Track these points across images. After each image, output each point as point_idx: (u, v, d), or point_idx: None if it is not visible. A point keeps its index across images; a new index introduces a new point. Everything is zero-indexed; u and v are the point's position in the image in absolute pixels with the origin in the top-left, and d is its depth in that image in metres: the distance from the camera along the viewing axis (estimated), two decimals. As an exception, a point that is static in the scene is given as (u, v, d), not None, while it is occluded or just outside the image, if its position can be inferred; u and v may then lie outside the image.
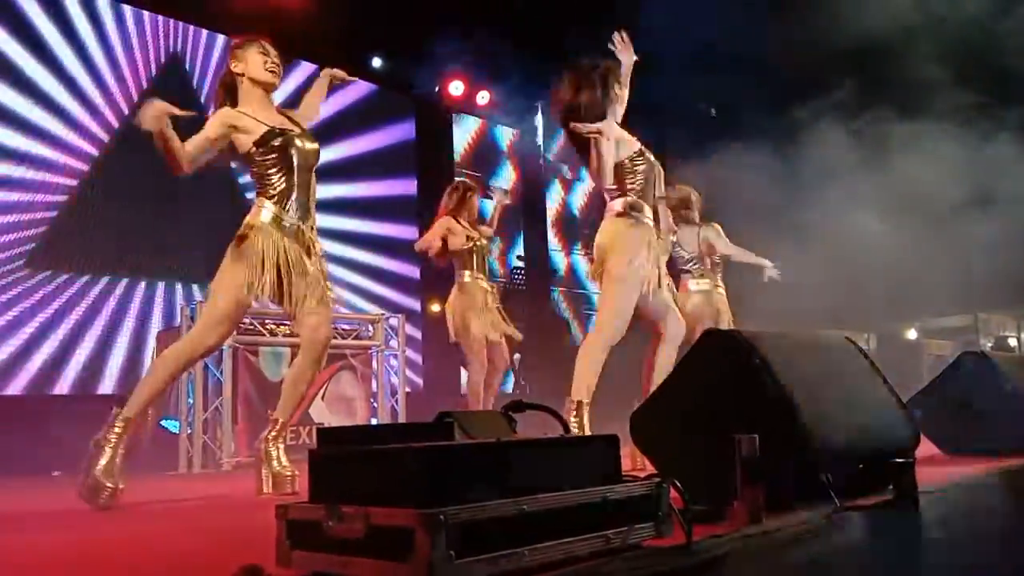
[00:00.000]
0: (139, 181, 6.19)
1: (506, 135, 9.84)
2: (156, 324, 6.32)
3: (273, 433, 3.20)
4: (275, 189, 3.22)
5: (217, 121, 3.20)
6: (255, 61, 3.33)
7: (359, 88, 8.16)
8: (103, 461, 2.95)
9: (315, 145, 3.37)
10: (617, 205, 3.69)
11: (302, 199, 3.27)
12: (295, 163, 3.25)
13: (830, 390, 2.25)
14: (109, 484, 2.92)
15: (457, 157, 9.21)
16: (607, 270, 3.61)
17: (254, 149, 3.22)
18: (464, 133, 9.37)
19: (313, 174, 3.34)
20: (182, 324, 5.22)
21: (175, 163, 3.05)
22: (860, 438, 2.20)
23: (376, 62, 8.15)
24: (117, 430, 3.01)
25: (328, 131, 7.69)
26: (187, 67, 6.96)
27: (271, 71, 3.34)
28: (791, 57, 7.11)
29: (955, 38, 6.57)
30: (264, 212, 3.20)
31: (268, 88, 3.36)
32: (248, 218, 3.22)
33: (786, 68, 7.44)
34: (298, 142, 3.28)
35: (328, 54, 7.61)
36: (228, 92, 3.36)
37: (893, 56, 6.70)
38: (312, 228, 3.33)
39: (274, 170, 3.23)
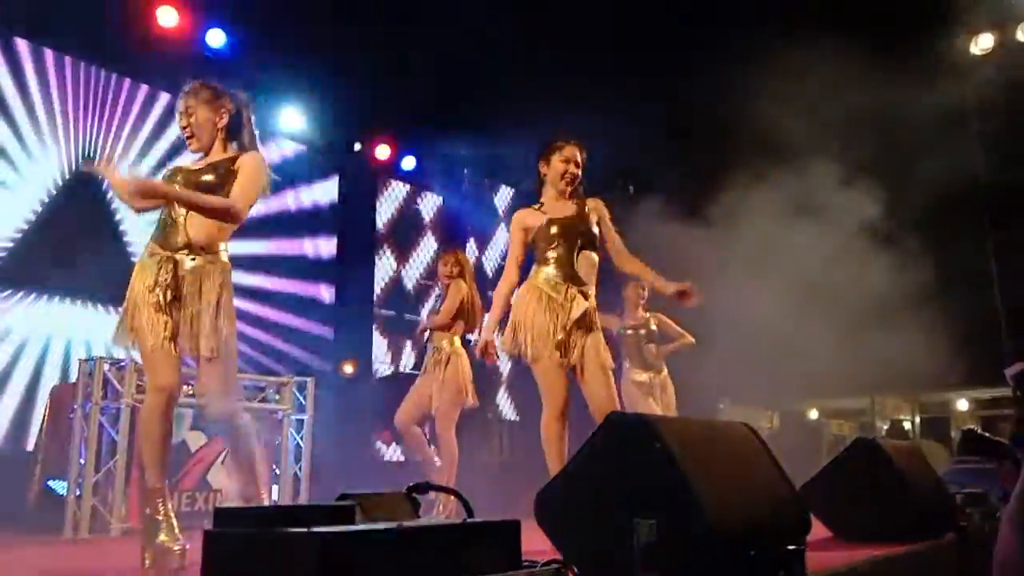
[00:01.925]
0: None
1: (430, 202, 9.91)
2: (50, 378, 6.05)
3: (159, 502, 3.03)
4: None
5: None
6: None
7: (285, 147, 8.14)
8: (162, 530, 2.95)
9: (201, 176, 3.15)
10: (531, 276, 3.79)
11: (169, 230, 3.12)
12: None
13: (728, 476, 2.32)
14: (176, 547, 2.91)
15: (380, 222, 9.22)
16: (521, 347, 3.66)
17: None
18: (390, 199, 9.41)
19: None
20: (79, 380, 5.01)
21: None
22: (755, 524, 2.26)
23: (300, 121, 8.13)
24: (159, 499, 3.01)
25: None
26: (108, 117, 6.82)
27: (182, 127, 3.25)
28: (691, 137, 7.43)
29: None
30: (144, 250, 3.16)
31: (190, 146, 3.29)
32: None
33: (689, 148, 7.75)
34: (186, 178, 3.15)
35: (255, 110, 7.61)
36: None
37: (795, 134, 7.07)
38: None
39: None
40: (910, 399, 14.29)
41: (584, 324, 3.68)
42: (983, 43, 8.11)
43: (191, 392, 5.07)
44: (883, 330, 6.99)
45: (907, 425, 14.42)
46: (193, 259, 3.10)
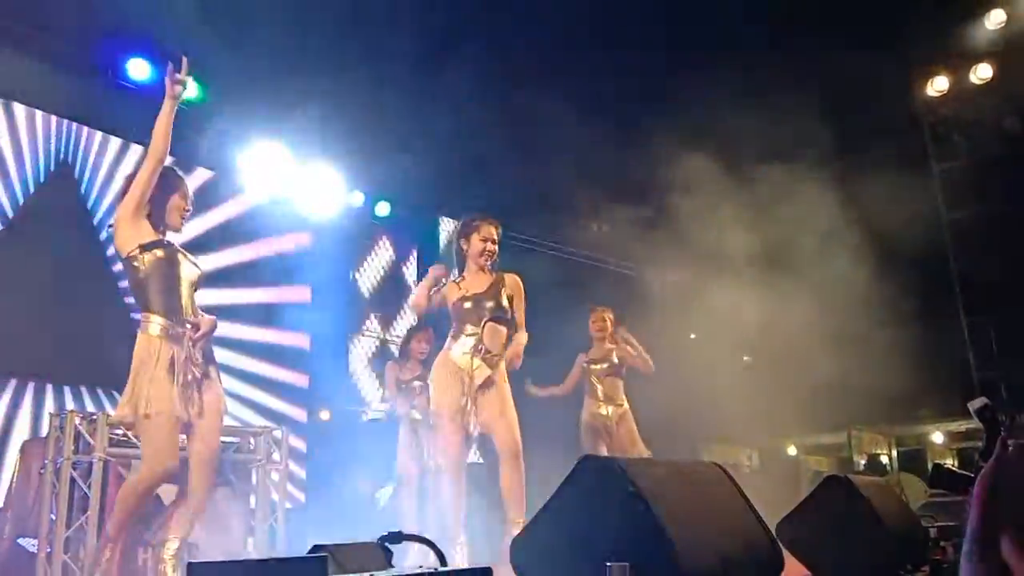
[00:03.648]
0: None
1: (396, 243, 9.93)
2: (22, 433, 5.96)
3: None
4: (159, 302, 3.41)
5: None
6: (174, 204, 3.57)
7: (257, 196, 8.16)
8: None
9: (197, 269, 3.63)
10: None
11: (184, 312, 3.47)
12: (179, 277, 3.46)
13: (700, 517, 2.34)
14: None
15: (355, 268, 9.25)
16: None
17: (136, 251, 3.40)
18: (358, 241, 9.43)
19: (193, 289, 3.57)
20: (50, 434, 4.94)
21: None
22: (728, 564, 2.28)
23: (274, 170, 8.16)
24: (107, 555, 3.31)
25: (223, 236, 7.64)
26: (78, 168, 6.81)
27: (182, 219, 3.62)
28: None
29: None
30: (152, 325, 3.38)
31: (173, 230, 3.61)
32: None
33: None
34: (180, 258, 3.51)
35: (227, 161, 7.66)
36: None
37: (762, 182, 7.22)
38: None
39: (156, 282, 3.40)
40: (886, 433, 14.37)
41: (488, 386, 4.19)
42: (938, 85, 8.36)
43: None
44: (858, 366, 7.09)
45: (884, 459, 14.48)
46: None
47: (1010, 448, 1.39)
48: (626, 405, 6.22)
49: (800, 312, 7.04)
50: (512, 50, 7.47)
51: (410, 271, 9.91)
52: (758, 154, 7.10)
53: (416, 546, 4.71)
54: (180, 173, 3.76)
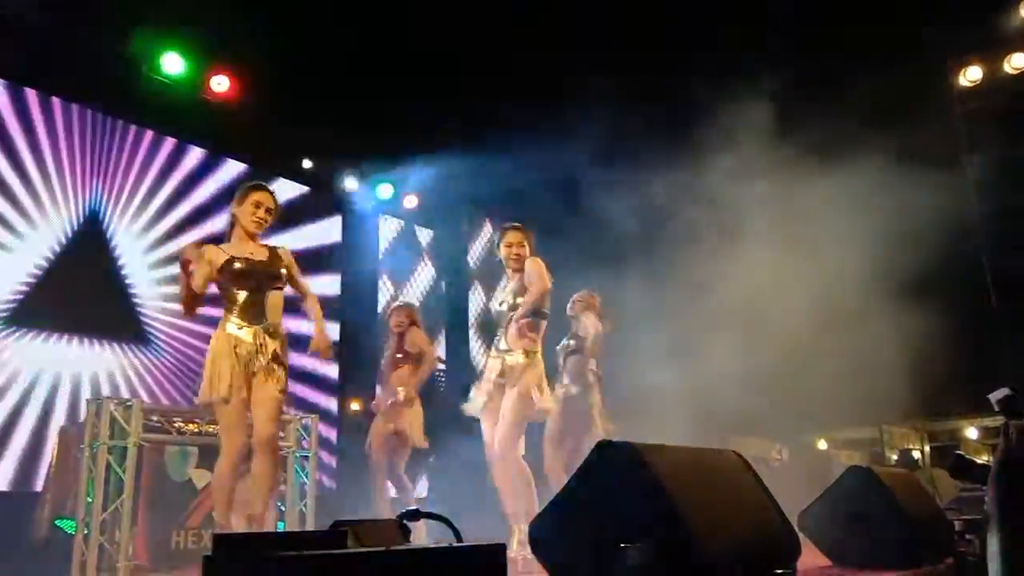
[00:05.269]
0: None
1: (425, 236, 10.04)
2: (58, 419, 6.12)
3: None
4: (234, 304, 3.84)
5: (201, 260, 3.80)
6: (246, 211, 3.95)
7: (288, 188, 8.28)
8: None
9: (274, 270, 3.97)
10: None
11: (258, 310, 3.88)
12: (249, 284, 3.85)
13: (716, 502, 2.37)
14: None
15: (382, 258, 9.35)
16: None
17: (217, 275, 3.83)
18: (386, 233, 9.54)
19: (270, 292, 3.95)
20: (87, 419, 5.08)
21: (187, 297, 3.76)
22: (743, 549, 2.31)
23: (306, 163, 8.30)
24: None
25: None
26: (114, 161, 6.96)
27: (256, 223, 3.95)
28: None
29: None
30: (229, 325, 3.83)
31: (251, 235, 3.97)
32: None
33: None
34: (257, 268, 3.87)
35: (259, 154, 7.78)
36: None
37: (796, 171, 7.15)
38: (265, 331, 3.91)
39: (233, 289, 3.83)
40: (919, 428, 14.21)
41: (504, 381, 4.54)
42: (972, 75, 8.24)
43: (198, 430, 5.21)
44: (889, 360, 7.02)
45: (916, 454, 14.31)
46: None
47: (1011, 434, 1.42)
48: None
49: (831, 305, 6.99)
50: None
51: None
52: (786, 143, 7.03)
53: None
54: (258, 183, 4.13)
